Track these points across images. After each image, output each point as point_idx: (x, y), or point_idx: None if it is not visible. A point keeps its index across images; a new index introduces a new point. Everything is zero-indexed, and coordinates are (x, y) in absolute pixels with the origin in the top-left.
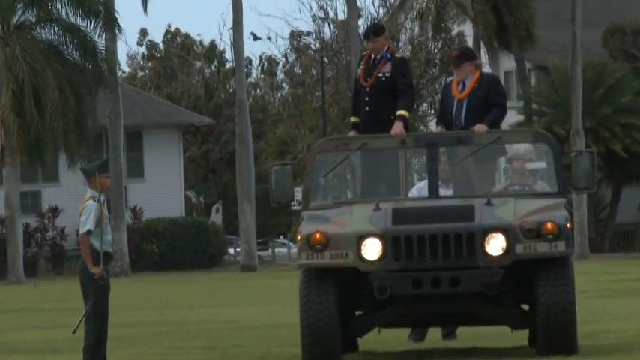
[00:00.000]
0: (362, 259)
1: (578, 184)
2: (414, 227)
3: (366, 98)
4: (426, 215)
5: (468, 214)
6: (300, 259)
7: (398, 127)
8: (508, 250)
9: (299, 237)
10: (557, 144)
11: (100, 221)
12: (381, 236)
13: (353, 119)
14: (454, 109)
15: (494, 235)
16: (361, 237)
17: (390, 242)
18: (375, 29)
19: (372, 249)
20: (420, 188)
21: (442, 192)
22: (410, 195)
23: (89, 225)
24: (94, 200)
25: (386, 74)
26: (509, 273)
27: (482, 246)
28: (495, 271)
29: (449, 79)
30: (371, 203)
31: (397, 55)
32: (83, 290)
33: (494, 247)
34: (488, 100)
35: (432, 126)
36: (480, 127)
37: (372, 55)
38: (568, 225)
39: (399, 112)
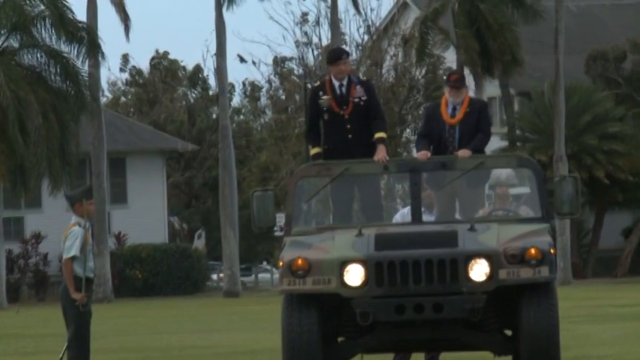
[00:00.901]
0: (344, 285)
1: (562, 209)
2: (396, 253)
3: (348, 126)
4: (409, 241)
5: (452, 240)
6: (282, 285)
7: (381, 152)
8: (491, 275)
9: (281, 263)
10: (540, 169)
11: (84, 247)
12: (363, 262)
13: (315, 151)
14: (446, 134)
15: (478, 260)
16: (343, 263)
17: (373, 268)
18: (345, 50)
19: (354, 275)
20: (403, 214)
21: (426, 218)
22: (394, 221)
23: (74, 250)
24: (79, 226)
25: (362, 99)
26: (493, 299)
27: (466, 272)
28: (479, 297)
29: (432, 103)
30: (353, 229)
31: (362, 78)
32: (65, 315)
33: (477, 272)
34: (477, 126)
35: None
36: (463, 152)
37: (337, 82)
38: (552, 250)
39: (378, 136)
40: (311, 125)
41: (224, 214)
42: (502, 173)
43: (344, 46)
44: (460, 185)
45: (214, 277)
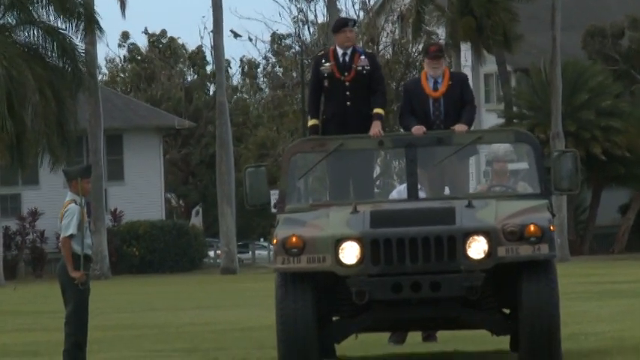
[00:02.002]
0: (340, 263)
1: (561, 185)
2: (393, 230)
3: (347, 93)
4: (406, 218)
5: (449, 217)
6: (276, 264)
7: (376, 127)
8: (490, 253)
9: (275, 240)
10: (538, 144)
11: (81, 225)
12: (359, 240)
13: (313, 122)
14: (431, 108)
15: (476, 237)
16: (339, 241)
17: (369, 246)
18: (352, 18)
19: (350, 253)
20: (400, 191)
21: (422, 195)
22: (390, 197)
23: (72, 229)
24: (76, 204)
25: (365, 67)
26: (491, 277)
27: (464, 249)
28: (477, 275)
29: (411, 79)
30: (348, 206)
31: (368, 51)
32: (63, 293)
33: (475, 250)
34: (461, 99)
35: None
36: (460, 127)
37: (340, 50)
38: (551, 227)
39: (376, 111)
40: (312, 95)
41: (221, 191)
42: (500, 148)
43: None
44: (457, 161)
45: (211, 254)
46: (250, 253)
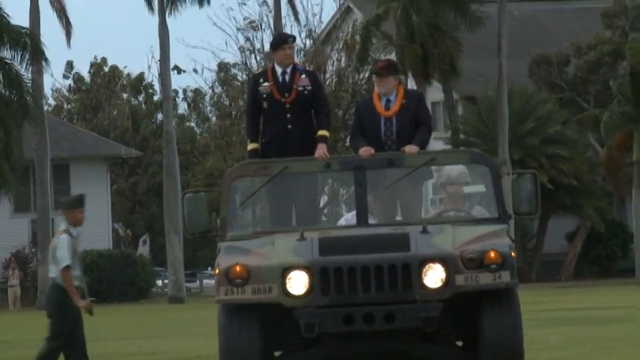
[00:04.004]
0: (287, 293)
1: (519, 209)
2: (343, 258)
3: (288, 115)
4: (357, 245)
5: (403, 243)
6: (219, 295)
7: (321, 150)
8: (448, 281)
9: (217, 270)
10: (495, 165)
11: (74, 255)
12: (307, 268)
13: (252, 145)
14: (382, 128)
15: (432, 265)
16: (286, 270)
17: (318, 275)
18: (291, 35)
19: (297, 283)
20: (348, 219)
21: (373, 221)
22: (338, 225)
23: (67, 260)
24: (68, 234)
25: (307, 88)
26: (449, 307)
27: (420, 278)
28: (434, 305)
29: (364, 98)
30: (295, 232)
31: (308, 69)
32: (52, 324)
33: (432, 278)
34: (416, 119)
35: None
36: (410, 148)
37: (280, 69)
38: (512, 254)
39: (321, 133)
40: (250, 116)
41: (168, 219)
42: (454, 170)
43: None
44: (408, 184)
45: (159, 283)
46: (198, 282)
